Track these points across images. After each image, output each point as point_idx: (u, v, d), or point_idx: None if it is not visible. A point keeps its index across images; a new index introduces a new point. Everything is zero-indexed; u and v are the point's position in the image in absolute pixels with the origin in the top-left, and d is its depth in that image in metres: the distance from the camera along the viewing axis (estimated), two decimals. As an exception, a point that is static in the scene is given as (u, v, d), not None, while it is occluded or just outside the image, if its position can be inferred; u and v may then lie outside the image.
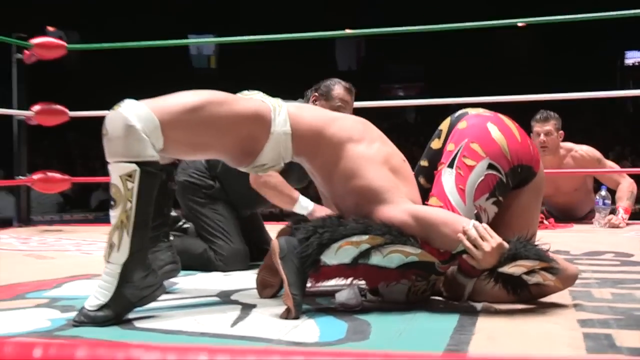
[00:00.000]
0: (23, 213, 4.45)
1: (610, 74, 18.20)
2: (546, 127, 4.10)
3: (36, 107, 4.26)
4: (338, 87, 2.77)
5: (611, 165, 4.25)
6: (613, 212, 3.88)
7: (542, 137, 4.10)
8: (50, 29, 18.60)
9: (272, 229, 2.69)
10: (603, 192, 3.92)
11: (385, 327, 1.66)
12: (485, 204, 1.92)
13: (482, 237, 1.72)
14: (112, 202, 1.73)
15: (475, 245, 1.72)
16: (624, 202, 3.91)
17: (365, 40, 19.37)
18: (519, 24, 5.31)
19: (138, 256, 1.74)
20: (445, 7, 18.41)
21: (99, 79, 15.29)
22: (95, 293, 1.73)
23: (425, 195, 1.98)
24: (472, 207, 1.90)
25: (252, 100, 1.94)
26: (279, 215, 5.20)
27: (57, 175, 4.38)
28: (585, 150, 4.19)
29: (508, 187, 1.95)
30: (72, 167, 11.41)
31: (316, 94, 2.80)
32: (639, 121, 14.34)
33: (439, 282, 1.93)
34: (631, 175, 4.19)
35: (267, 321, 1.74)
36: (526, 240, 1.77)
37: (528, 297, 1.82)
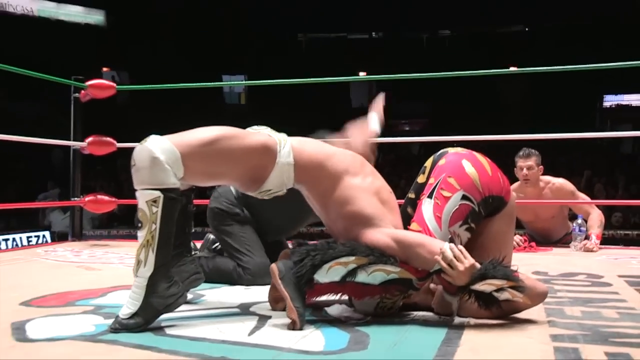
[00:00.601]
0: (76, 229, 4.48)
1: (590, 115, 18.17)
2: (528, 162, 4.12)
3: (89, 139, 4.33)
4: None
5: (583, 197, 4.26)
6: (587, 237, 3.88)
7: (524, 171, 4.12)
8: (105, 69, 18.89)
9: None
10: (579, 220, 3.91)
11: (382, 338, 1.67)
12: (459, 230, 1.94)
13: (457, 258, 1.74)
14: (139, 224, 1.77)
15: (451, 265, 1.74)
16: (595, 229, 3.90)
17: (376, 82, 19.51)
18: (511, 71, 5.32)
19: (162, 270, 1.76)
20: (446, 54, 18.58)
21: (145, 112, 15.46)
22: (127, 303, 1.75)
23: (409, 222, 2.00)
24: (447, 233, 1.93)
25: (260, 134, 1.96)
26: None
27: (105, 198, 4.42)
28: (561, 183, 4.20)
29: (481, 215, 1.97)
30: (120, 188, 11.52)
31: None
32: (613, 154, 14.23)
33: (409, 299, 1.94)
34: (601, 206, 4.18)
35: (280, 331, 1.74)
36: (498, 262, 1.78)
37: (501, 313, 1.83)
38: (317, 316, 1.92)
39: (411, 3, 18.34)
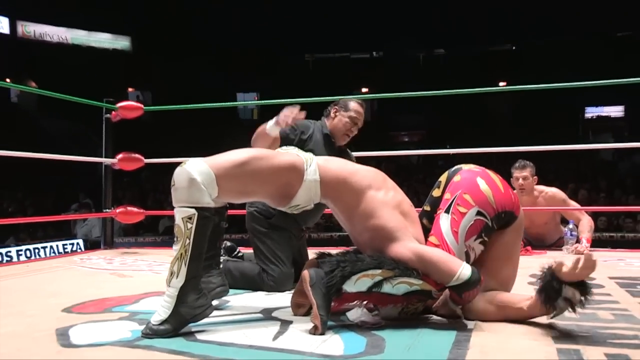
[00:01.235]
0: (108, 238, 4.48)
1: (573, 125, 18.14)
2: (523, 173, 4.11)
3: (119, 156, 4.34)
4: (353, 102, 2.89)
5: (574, 204, 4.25)
6: (578, 241, 3.86)
7: (520, 181, 4.11)
8: (130, 90, 19.01)
9: (312, 253, 2.67)
10: (571, 226, 3.90)
11: (397, 342, 1.65)
12: (474, 243, 1.92)
13: None
14: (175, 238, 1.77)
15: None
16: (586, 233, 3.88)
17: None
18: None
19: (192, 282, 1.76)
20: (441, 70, 18.60)
21: (167, 127, 15.53)
22: (158, 310, 1.75)
23: (426, 234, 1.98)
24: (463, 246, 1.90)
25: (288, 154, 1.95)
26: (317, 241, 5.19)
27: (135, 209, 4.43)
28: (554, 191, 4.19)
29: (493, 229, 1.95)
30: (144, 198, 11.54)
31: (336, 107, 2.87)
32: (596, 162, 14.16)
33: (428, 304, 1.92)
34: (589, 211, 4.15)
35: (302, 336, 1.73)
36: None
37: (504, 317, 1.86)
38: (334, 321, 1.90)
39: (408, 24, 18.40)
